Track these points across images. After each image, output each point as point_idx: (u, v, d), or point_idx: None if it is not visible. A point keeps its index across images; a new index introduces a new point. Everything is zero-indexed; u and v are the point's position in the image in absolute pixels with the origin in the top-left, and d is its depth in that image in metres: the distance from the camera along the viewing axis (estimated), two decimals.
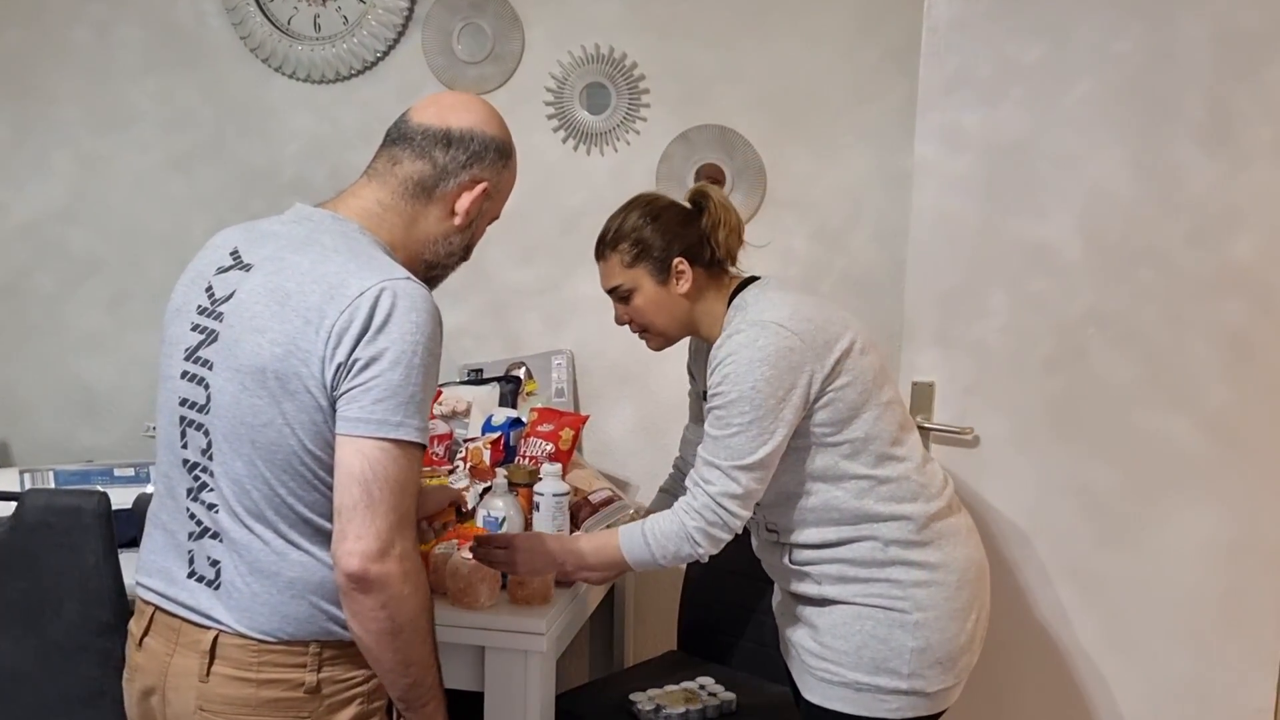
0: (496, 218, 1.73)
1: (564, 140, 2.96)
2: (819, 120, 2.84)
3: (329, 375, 1.45)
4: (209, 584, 1.54)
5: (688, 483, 1.91)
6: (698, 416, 2.26)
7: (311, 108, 3.06)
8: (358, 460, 1.44)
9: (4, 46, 3.15)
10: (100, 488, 2.19)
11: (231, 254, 1.58)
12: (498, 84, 2.96)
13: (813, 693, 1.96)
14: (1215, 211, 2.32)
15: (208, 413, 1.52)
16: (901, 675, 1.89)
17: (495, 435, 2.63)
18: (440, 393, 2.83)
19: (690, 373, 2.26)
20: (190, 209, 3.12)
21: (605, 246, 2.04)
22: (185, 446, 1.55)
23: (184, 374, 1.55)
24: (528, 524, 2.30)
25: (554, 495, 2.28)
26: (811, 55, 2.82)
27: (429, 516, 1.92)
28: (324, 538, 1.51)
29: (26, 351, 3.23)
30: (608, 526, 2.43)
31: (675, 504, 1.90)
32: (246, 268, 1.55)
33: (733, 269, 2.05)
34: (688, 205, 2.04)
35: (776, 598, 2.14)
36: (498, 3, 2.93)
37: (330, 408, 1.46)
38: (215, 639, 1.52)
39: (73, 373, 3.22)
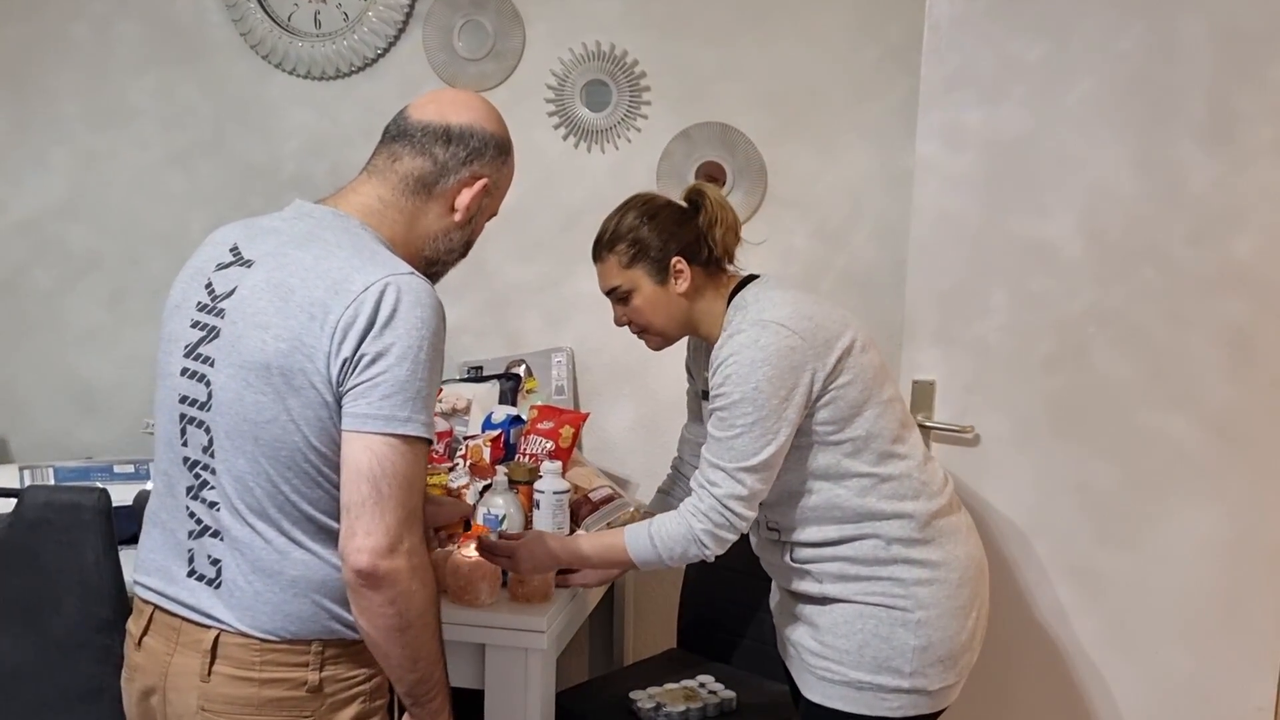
0: (496, 214, 1.72)
1: (564, 137, 2.95)
2: (820, 118, 2.84)
3: (334, 371, 1.45)
4: (209, 583, 1.53)
5: (693, 484, 1.92)
6: (696, 415, 2.26)
7: (311, 104, 3.06)
8: (366, 456, 1.44)
9: (3, 42, 3.14)
10: (100, 484, 2.18)
11: (231, 250, 1.57)
12: (498, 81, 2.96)
13: (813, 691, 1.96)
14: (1216, 210, 2.32)
15: (209, 410, 1.51)
16: (903, 674, 1.89)
17: (495, 433, 2.63)
18: (440, 390, 2.83)
19: (689, 370, 2.26)
20: (190, 205, 3.12)
21: (602, 248, 2.03)
22: (185, 444, 1.55)
23: (184, 371, 1.55)
24: (528, 522, 2.30)
25: (554, 493, 2.28)
26: (813, 53, 2.82)
27: (439, 527, 1.93)
28: (327, 535, 1.50)
29: (26, 348, 3.23)
30: (608, 524, 2.43)
31: (681, 506, 1.91)
32: (247, 264, 1.54)
33: (730, 267, 2.05)
34: (684, 204, 2.04)
35: (775, 597, 2.14)
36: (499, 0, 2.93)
37: (336, 404, 1.46)
38: (216, 638, 1.52)
39: (72, 369, 3.21)
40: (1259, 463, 2.35)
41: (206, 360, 1.52)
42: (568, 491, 2.32)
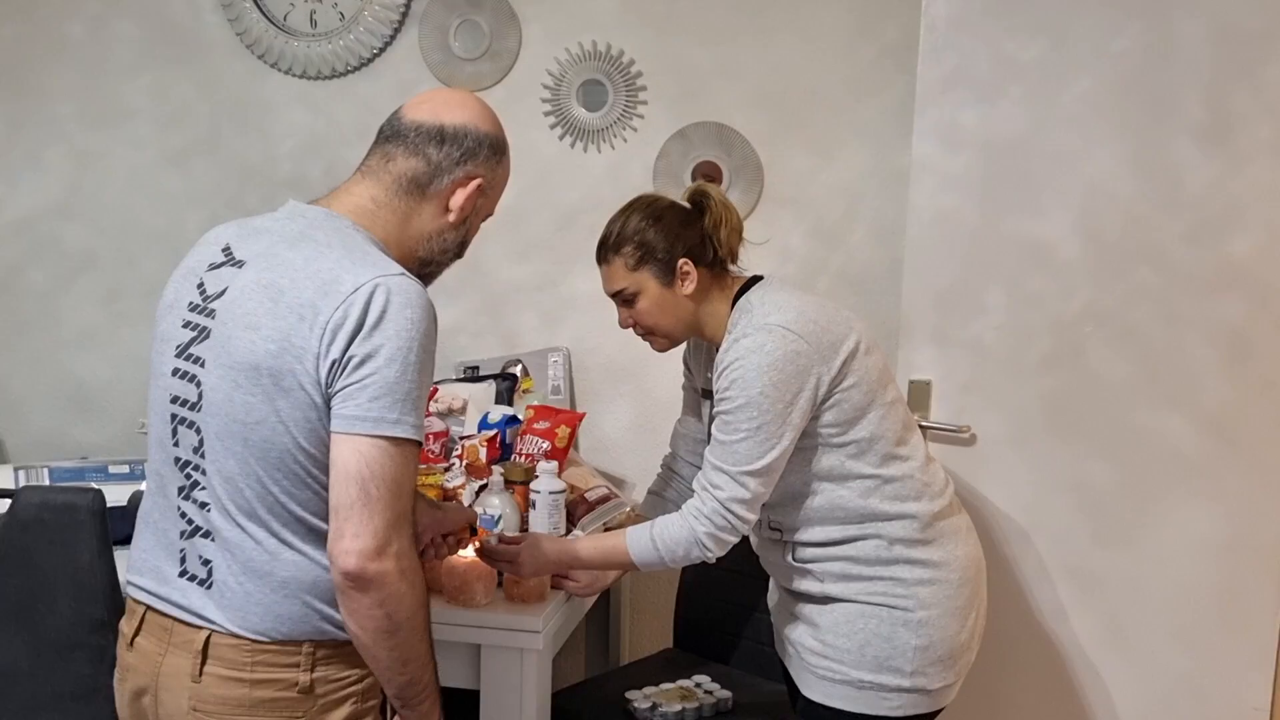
0: (491, 214, 1.72)
1: (561, 137, 2.95)
2: (817, 118, 2.83)
3: (324, 372, 1.44)
4: (201, 583, 1.53)
5: (695, 486, 1.92)
6: (691, 409, 2.26)
7: (307, 104, 3.05)
8: (355, 458, 1.43)
9: None
10: (95, 485, 2.18)
11: (224, 250, 1.57)
12: (494, 81, 2.96)
13: (813, 690, 1.96)
14: (1213, 210, 2.32)
15: (199, 410, 1.51)
16: (904, 673, 1.90)
17: (491, 433, 2.63)
18: (436, 390, 2.83)
19: (686, 365, 2.25)
20: (185, 205, 3.12)
21: (608, 250, 2.01)
22: (177, 444, 1.54)
23: (175, 371, 1.54)
24: (524, 522, 2.30)
25: (550, 493, 2.27)
26: (809, 52, 2.82)
27: (445, 534, 1.92)
28: (317, 537, 1.50)
29: (20, 348, 3.22)
30: (604, 524, 2.43)
31: (683, 508, 1.91)
32: (239, 264, 1.54)
33: (734, 268, 2.05)
34: (687, 205, 2.03)
35: (774, 596, 2.14)
36: None
37: (325, 405, 1.46)
38: (208, 639, 1.51)
39: (67, 369, 3.21)
40: (1255, 462, 2.35)
41: (197, 360, 1.52)
42: (564, 491, 2.31)
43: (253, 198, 3.06)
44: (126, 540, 1.69)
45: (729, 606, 2.65)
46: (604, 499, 2.49)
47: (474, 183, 1.62)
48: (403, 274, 1.50)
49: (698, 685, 2.45)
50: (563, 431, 2.57)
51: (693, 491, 2.09)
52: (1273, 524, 2.36)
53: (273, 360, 1.45)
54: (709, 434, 2.08)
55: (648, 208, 2.01)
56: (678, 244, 1.97)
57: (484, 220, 1.71)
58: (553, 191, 2.97)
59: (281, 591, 1.50)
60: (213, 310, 1.52)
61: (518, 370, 2.96)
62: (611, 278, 2.02)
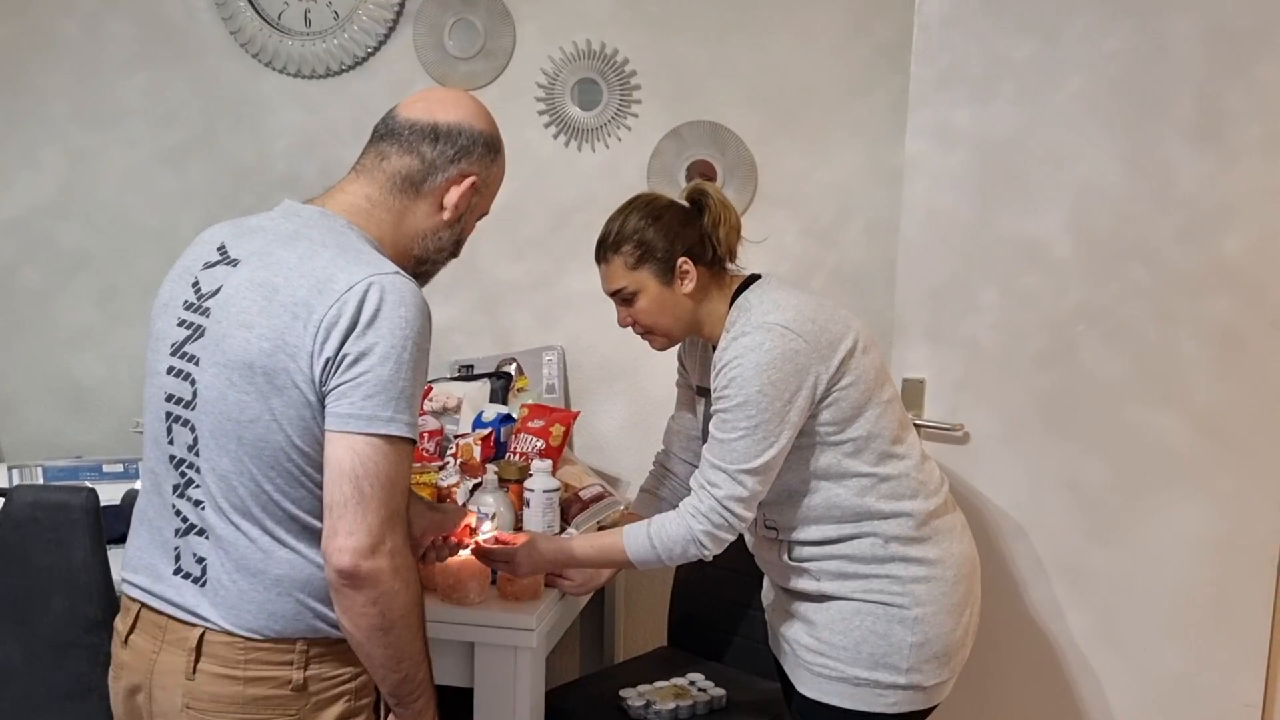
0: (486, 213, 1.72)
1: (555, 136, 2.95)
2: (810, 116, 2.84)
3: (317, 371, 1.45)
4: (195, 581, 1.53)
5: (692, 484, 1.92)
6: (686, 407, 2.26)
7: (302, 103, 3.05)
8: (349, 456, 1.44)
9: None
10: (89, 484, 2.18)
11: (218, 249, 1.57)
12: (489, 80, 2.96)
13: (808, 687, 1.97)
14: (1205, 208, 2.33)
15: (194, 408, 1.51)
16: (900, 670, 1.91)
17: (486, 431, 2.63)
18: (431, 388, 2.83)
19: (681, 364, 2.25)
20: (180, 204, 3.12)
21: (607, 249, 2.01)
22: (171, 442, 1.55)
23: (170, 369, 1.55)
24: (518, 520, 2.30)
25: (544, 491, 2.28)
26: (803, 51, 2.82)
27: (446, 535, 1.92)
28: (310, 535, 1.50)
29: (15, 347, 3.22)
30: (598, 522, 2.43)
31: (680, 506, 1.92)
32: (233, 263, 1.54)
33: (732, 267, 2.05)
34: (686, 204, 2.03)
35: (769, 594, 2.15)
36: None
37: (319, 403, 1.46)
38: (202, 636, 1.52)
39: (61, 368, 3.21)
40: (1247, 460, 2.36)
41: (192, 359, 1.52)
42: (558, 490, 2.32)
43: (247, 197, 3.06)
44: (121, 539, 1.69)
45: (723, 604, 2.65)
46: (598, 497, 2.50)
47: (468, 181, 1.62)
48: (397, 272, 1.50)
49: (692, 683, 2.45)
50: (557, 430, 2.57)
51: (687, 488, 2.09)
52: (1264, 521, 2.36)
53: (267, 359, 1.46)
54: (703, 431, 2.09)
55: (647, 206, 2.01)
56: (677, 243, 1.97)
57: (479, 219, 1.71)
58: (547, 190, 2.97)
59: (275, 589, 1.50)
60: (207, 309, 1.52)
61: (512, 369, 2.97)
62: (611, 276, 2.02)
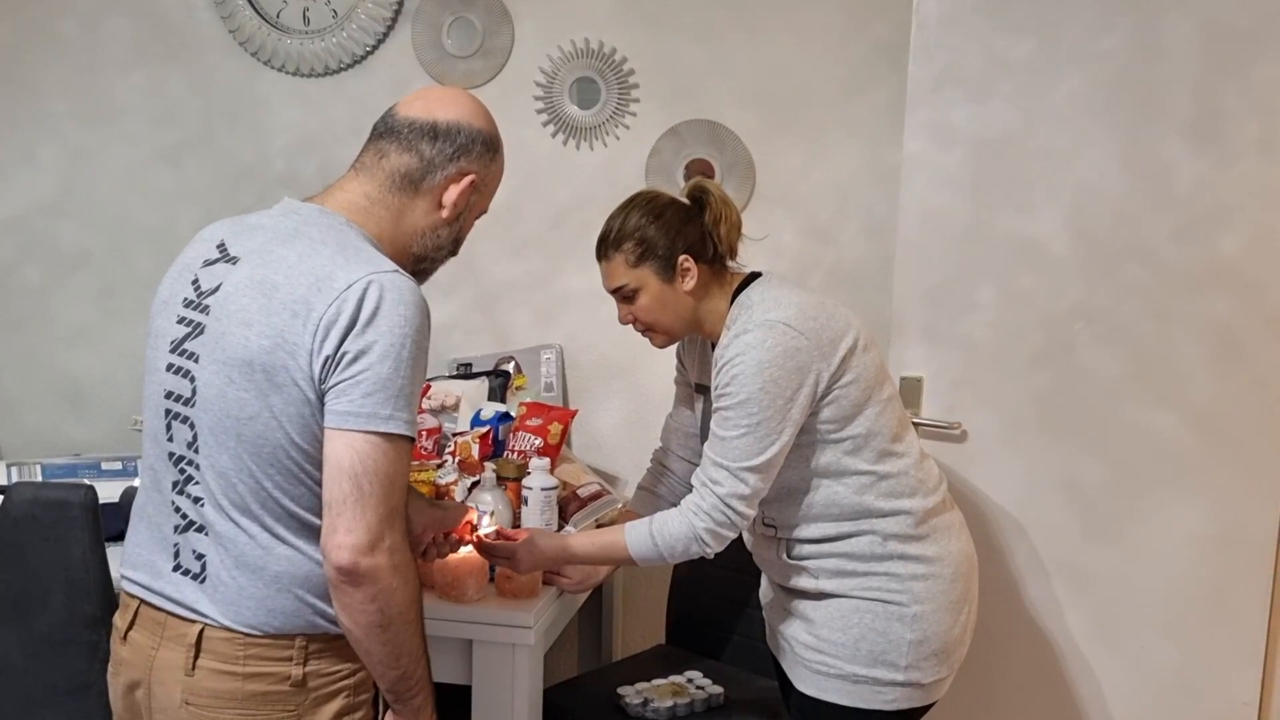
0: (485, 212, 1.72)
1: (553, 135, 2.95)
2: (808, 115, 2.84)
3: (317, 368, 1.45)
4: (194, 577, 1.53)
5: (694, 481, 1.92)
6: (683, 402, 2.26)
7: (301, 101, 3.06)
8: (347, 454, 1.44)
9: None
10: (87, 481, 2.18)
11: (218, 247, 1.58)
12: (487, 78, 2.96)
13: (807, 685, 1.97)
14: (1202, 208, 2.33)
15: (193, 406, 1.52)
16: (899, 667, 1.91)
17: (484, 429, 2.63)
18: (429, 386, 2.83)
19: (680, 361, 2.25)
20: (179, 202, 3.12)
21: (608, 247, 2.01)
22: (171, 439, 1.55)
23: (169, 367, 1.55)
24: (516, 518, 2.30)
25: (542, 489, 2.28)
26: (801, 50, 2.82)
27: (447, 532, 1.93)
28: (309, 532, 1.51)
29: (14, 345, 3.22)
30: (596, 520, 2.43)
31: (682, 503, 1.92)
32: (233, 261, 1.54)
33: (732, 264, 2.05)
34: (687, 202, 2.03)
35: (767, 592, 2.15)
36: None
37: (318, 401, 1.46)
38: (201, 632, 1.52)
39: (60, 366, 3.21)
40: (1243, 458, 2.36)
41: (191, 356, 1.52)
42: (556, 488, 2.32)
43: (246, 195, 3.07)
44: (120, 536, 1.69)
45: (721, 602, 2.66)
46: (596, 495, 2.50)
47: (467, 179, 1.63)
48: (396, 271, 1.50)
49: (689, 681, 2.46)
50: (555, 428, 2.57)
51: (684, 485, 2.10)
52: (1261, 520, 2.37)
53: (266, 356, 1.46)
54: (702, 428, 2.09)
55: (648, 204, 2.01)
56: (678, 240, 1.98)
57: (478, 217, 1.71)
58: (545, 189, 2.97)
59: (274, 586, 1.51)
60: (207, 306, 1.53)
61: (510, 367, 2.97)
62: (612, 274, 2.02)
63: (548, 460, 2.36)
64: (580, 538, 2.05)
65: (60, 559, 2.05)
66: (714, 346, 2.01)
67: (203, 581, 1.53)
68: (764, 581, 2.17)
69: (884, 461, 1.93)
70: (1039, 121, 2.40)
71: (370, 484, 1.43)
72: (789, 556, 1.98)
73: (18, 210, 3.18)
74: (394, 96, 1.71)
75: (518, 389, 2.92)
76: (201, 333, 1.52)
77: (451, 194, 1.62)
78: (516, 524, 2.30)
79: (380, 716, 1.62)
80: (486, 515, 2.11)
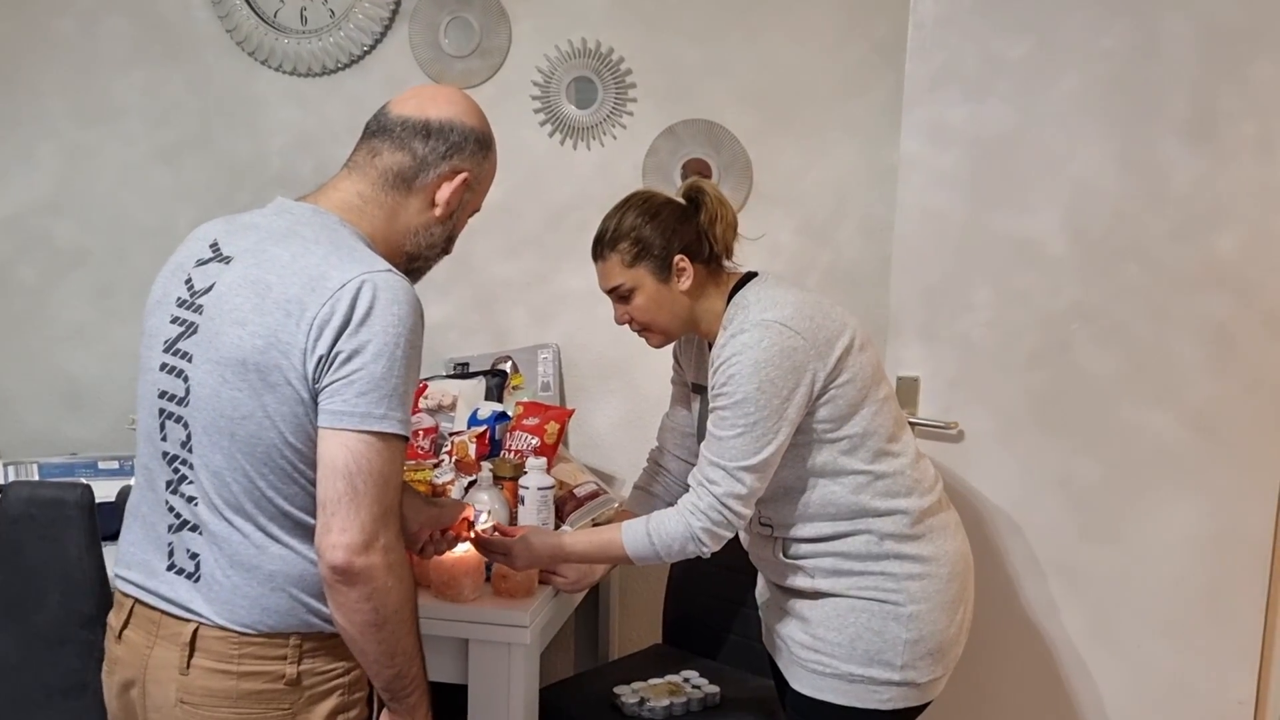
0: (478, 210, 1.72)
1: (550, 134, 2.95)
2: (805, 115, 2.84)
3: (310, 368, 1.45)
4: (188, 576, 1.53)
5: (690, 481, 1.92)
6: (680, 402, 2.26)
7: (298, 101, 3.06)
8: (341, 453, 1.44)
9: None
10: (84, 480, 2.18)
11: (211, 246, 1.58)
12: (484, 78, 2.96)
13: (803, 684, 1.97)
14: (1199, 207, 2.33)
15: (187, 405, 1.52)
16: (894, 667, 1.91)
17: (481, 429, 2.63)
18: (426, 386, 2.83)
19: (677, 361, 2.25)
20: (176, 202, 3.12)
21: (604, 246, 2.01)
22: (164, 439, 1.55)
23: (163, 366, 1.55)
24: (512, 518, 2.30)
25: (539, 489, 2.28)
26: (798, 50, 2.82)
27: (444, 529, 1.93)
28: (304, 531, 1.51)
29: (11, 344, 3.22)
30: (592, 520, 2.44)
31: (679, 503, 1.91)
32: (226, 260, 1.54)
33: (728, 264, 2.05)
34: (683, 201, 2.03)
35: (763, 592, 2.15)
36: None
37: (312, 401, 1.46)
38: (195, 631, 1.52)
39: (57, 365, 3.21)
40: (1240, 458, 2.36)
41: (185, 356, 1.52)
42: (552, 487, 2.32)
43: (243, 194, 3.07)
44: (116, 536, 1.69)
45: (717, 602, 2.66)
46: (593, 495, 2.50)
47: (460, 177, 1.63)
48: (389, 270, 1.50)
49: (686, 680, 2.46)
50: (552, 428, 2.57)
51: (680, 484, 2.09)
52: (1257, 519, 2.37)
53: (259, 356, 1.46)
54: (699, 428, 2.09)
55: (644, 204, 2.01)
56: (674, 240, 1.97)
57: (471, 215, 1.71)
58: (542, 188, 2.97)
59: (268, 585, 1.50)
60: (200, 306, 1.53)
61: (507, 366, 2.97)
62: (607, 274, 2.02)
63: (544, 460, 2.36)
64: (576, 536, 2.05)
65: (56, 558, 2.05)
66: (711, 346, 2.01)
67: (197, 581, 1.53)
68: (760, 581, 2.17)
69: (880, 461, 1.93)
70: (1036, 121, 2.40)
71: (364, 483, 1.43)
72: (785, 556, 1.98)
73: (15, 209, 3.18)
74: (391, 96, 1.70)
75: (514, 388, 2.93)
76: (195, 332, 1.52)
77: (444, 192, 1.62)
78: (513, 523, 2.30)
79: (375, 715, 1.62)
80: (484, 513, 2.12)
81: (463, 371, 2.98)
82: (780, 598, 2.04)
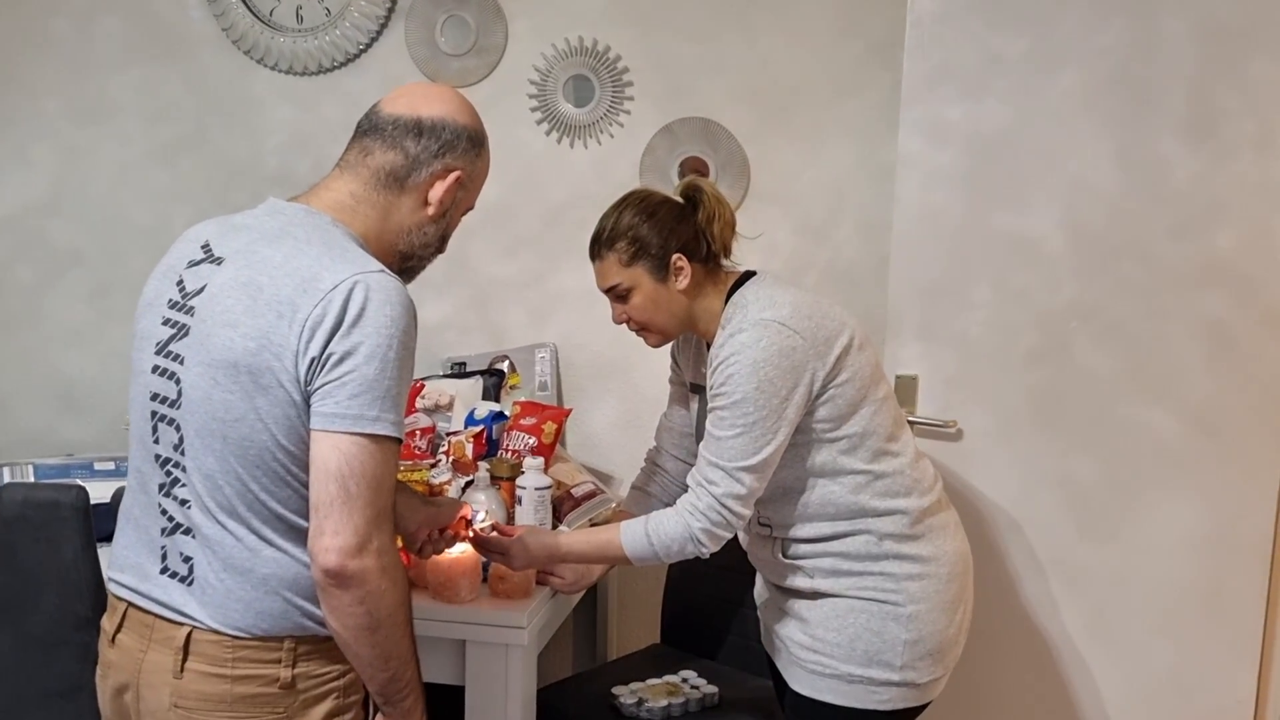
0: (472, 208, 1.72)
1: (547, 133, 2.95)
2: (803, 113, 2.84)
3: (302, 370, 1.44)
4: (182, 580, 1.53)
5: (689, 481, 1.92)
6: (678, 401, 2.26)
7: (294, 100, 3.05)
8: (334, 456, 1.43)
9: None
10: (79, 482, 2.18)
11: (203, 247, 1.57)
12: (481, 77, 2.95)
13: (802, 685, 1.97)
14: (1197, 205, 2.33)
15: (179, 407, 1.51)
16: (894, 667, 1.91)
17: (478, 429, 2.63)
18: (423, 385, 2.82)
19: (674, 361, 2.25)
20: (172, 201, 3.11)
21: (601, 245, 2.01)
22: (157, 441, 1.54)
23: (155, 368, 1.54)
24: (510, 518, 2.30)
25: (536, 489, 2.28)
26: (795, 48, 2.82)
27: (442, 528, 1.92)
28: (297, 534, 1.50)
29: (6, 344, 3.22)
30: (590, 520, 2.43)
31: (678, 503, 1.91)
32: (218, 261, 1.53)
33: (726, 263, 2.05)
34: (680, 200, 2.02)
35: (762, 592, 2.15)
36: None
37: (304, 403, 1.45)
38: (189, 635, 1.51)
39: (53, 366, 3.20)
40: (1238, 456, 2.36)
41: (176, 358, 1.52)
42: (550, 487, 2.32)
43: (239, 194, 3.06)
44: (110, 538, 1.68)
45: (715, 602, 2.65)
46: (590, 495, 2.50)
47: (452, 175, 1.62)
48: (382, 271, 1.49)
49: (684, 680, 2.45)
50: (549, 427, 2.57)
51: (677, 484, 2.09)
52: (1256, 518, 2.37)
53: (251, 358, 1.45)
54: (697, 428, 2.09)
55: (641, 203, 2.00)
56: (671, 239, 1.97)
57: (464, 214, 1.71)
58: (539, 187, 2.97)
59: (262, 588, 1.50)
60: (192, 308, 1.52)
61: (505, 366, 2.96)
62: (605, 273, 2.01)
63: (542, 459, 2.35)
64: (574, 536, 2.04)
65: (51, 559, 2.04)
66: (709, 346, 2.00)
67: (190, 584, 1.52)
68: (759, 581, 2.16)
69: (879, 461, 1.93)
70: (1034, 119, 2.40)
71: (357, 486, 1.42)
72: (784, 556, 1.98)
73: (10, 209, 3.18)
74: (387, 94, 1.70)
75: (512, 388, 2.92)
76: (186, 334, 1.51)
77: (437, 191, 1.61)
78: (510, 524, 2.29)
79: (370, 718, 1.62)
80: (482, 512, 2.11)
81: (460, 371, 2.98)
82: (779, 598, 2.04)
